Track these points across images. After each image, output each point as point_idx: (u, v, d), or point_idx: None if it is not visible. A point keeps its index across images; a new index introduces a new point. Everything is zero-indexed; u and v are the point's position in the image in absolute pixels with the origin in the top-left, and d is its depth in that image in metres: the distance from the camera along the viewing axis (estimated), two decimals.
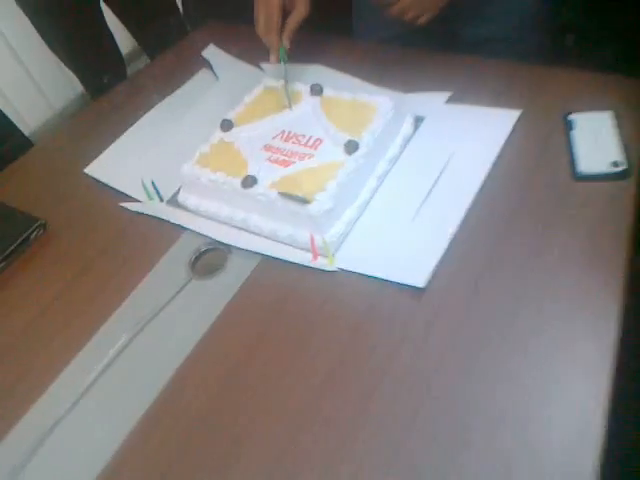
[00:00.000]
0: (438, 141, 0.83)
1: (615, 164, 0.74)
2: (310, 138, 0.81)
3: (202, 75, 1.09)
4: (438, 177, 0.78)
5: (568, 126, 0.81)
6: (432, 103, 0.89)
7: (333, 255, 0.73)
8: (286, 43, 0.89)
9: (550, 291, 0.65)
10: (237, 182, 0.76)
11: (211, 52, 1.13)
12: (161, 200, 0.86)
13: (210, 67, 1.10)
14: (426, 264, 0.69)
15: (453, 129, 0.85)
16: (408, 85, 0.93)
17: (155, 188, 0.85)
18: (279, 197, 0.73)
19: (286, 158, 0.79)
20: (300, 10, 0.89)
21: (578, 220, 0.70)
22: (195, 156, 0.82)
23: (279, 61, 0.90)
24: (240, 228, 0.79)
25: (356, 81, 0.96)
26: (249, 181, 0.76)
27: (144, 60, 1.73)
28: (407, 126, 0.86)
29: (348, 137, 0.78)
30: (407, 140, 0.85)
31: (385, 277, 0.69)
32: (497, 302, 0.65)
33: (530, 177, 0.77)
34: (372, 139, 0.78)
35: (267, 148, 0.82)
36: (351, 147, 0.77)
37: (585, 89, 0.87)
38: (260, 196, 0.75)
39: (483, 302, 0.65)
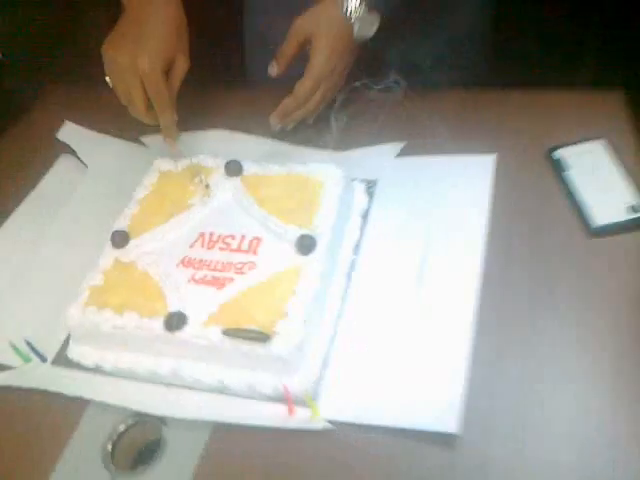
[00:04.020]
0: (406, 209, 0.64)
1: (634, 209, 0.59)
2: (243, 238, 0.60)
3: (63, 163, 0.80)
4: (423, 258, 0.59)
5: (558, 166, 0.65)
6: (381, 160, 0.70)
7: (316, 403, 0.51)
8: (174, 115, 0.67)
9: None
10: (157, 324, 0.53)
11: (69, 132, 0.81)
12: (43, 360, 0.60)
13: (72, 151, 0.80)
14: (450, 397, 0.49)
15: (419, 190, 0.66)
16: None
17: (32, 347, 0.59)
18: (225, 338, 0.51)
19: (217, 274, 0.57)
20: (181, 64, 0.67)
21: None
22: (83, 292, 0.58)
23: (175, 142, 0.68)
24: (170, 384, 0.56)
25: (274, 144, 0.75)
26: (175, 321, 0.53)
27: None
28: (360, 196, 0.66)
29: (297, 230, 0.57)
30: (364, 215, 0.65)
31: (396, 425, 0.48)
32: None
33: (537, 239, 0.60)
34: (329, 227, 0.58)
35: (186, 263, 0.59)
36: (306, 245, 0.56)
37: (562, 114, 0.72)
38: (196, 339, 0.52)
39: None
